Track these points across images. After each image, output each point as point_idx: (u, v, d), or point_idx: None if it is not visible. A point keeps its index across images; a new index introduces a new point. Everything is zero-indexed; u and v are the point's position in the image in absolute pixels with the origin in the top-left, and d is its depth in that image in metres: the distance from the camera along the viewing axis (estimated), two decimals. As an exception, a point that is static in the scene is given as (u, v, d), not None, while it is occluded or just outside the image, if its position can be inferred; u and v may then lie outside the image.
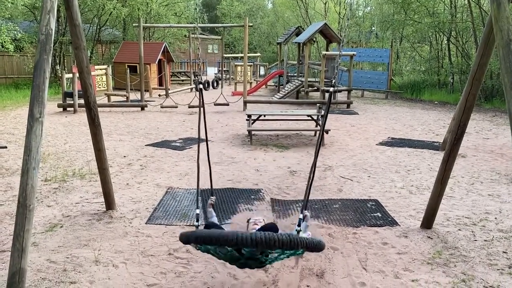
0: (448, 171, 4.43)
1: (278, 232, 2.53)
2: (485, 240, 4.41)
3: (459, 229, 4.69)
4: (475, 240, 4.41)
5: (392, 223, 4.88)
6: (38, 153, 3.00)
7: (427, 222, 4.72)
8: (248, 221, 3.61)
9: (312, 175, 3.19)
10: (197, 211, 3.27)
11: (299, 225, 3.03)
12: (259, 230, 3.00)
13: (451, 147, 4.33)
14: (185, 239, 2.55)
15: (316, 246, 2.56)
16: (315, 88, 17.67)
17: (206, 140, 3.70)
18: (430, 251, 4.16)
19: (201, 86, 3.82)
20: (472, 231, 4.63)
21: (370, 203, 5.57)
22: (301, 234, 3.00)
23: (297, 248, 2.45)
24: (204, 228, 3.03)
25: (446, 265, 3.87)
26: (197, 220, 3.25)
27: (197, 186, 3.48)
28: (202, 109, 3.85)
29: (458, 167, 7.14)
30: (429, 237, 4.49)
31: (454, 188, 6.17)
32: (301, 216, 3.13)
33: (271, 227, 2.91)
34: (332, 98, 3.12)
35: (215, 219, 3.63)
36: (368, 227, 4.75)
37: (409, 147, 8.99)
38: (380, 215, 5.11)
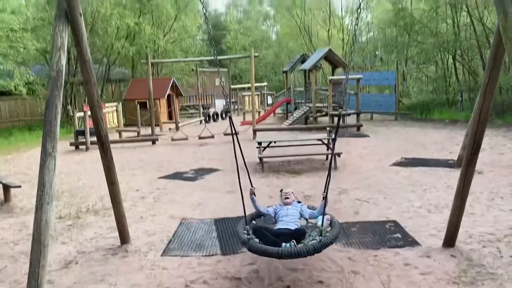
0: (467, 185, 4.33)
1: (306, 237, 3.91)
2: (511, 256, 4.24)
3: (483, 246, 4.53)
4: (501, 257, 4.24)
5: (413, 243, 4.74)
6: (51, 188, 3.00)
7: (449, 240, 4.57)
8: (281, 191, 4.79)
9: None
10: (246, 229, 3.99)
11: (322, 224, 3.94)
12: (291, 233, 3.89)
13: (468, 161, 4.25)
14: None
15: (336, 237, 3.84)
16: (324, 113, 17.71)
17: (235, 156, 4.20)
18: (455, 270, 4.00)
19: (228, 113, 4.29)
20: (497, 248, 4.47)
21: (389, 224, 5.44)
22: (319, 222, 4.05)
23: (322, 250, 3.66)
24: (253, 231, 3.95)
25: (473, 284, 3.72)
26: (248, 234, 3.89)
27: (243, 207, 4.12)
28: (235, 136, 4.30)
29: (476, 183, 6.95)
30: (452, 255, 4.34)
31: (473, 204, 6.02)
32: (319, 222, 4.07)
33: (300, 232, 3.95)
34: (340, 121, 3.71)
35: (260, 207, 4.54)
36: (388, 249, 4.61)
37: (423, 166, 8.85)
38: (400, 236, 4.98)
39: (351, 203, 6.50)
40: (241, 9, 51.23)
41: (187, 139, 14.14)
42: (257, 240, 3.79)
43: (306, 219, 4.50)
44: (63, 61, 3.44)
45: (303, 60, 20.76)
